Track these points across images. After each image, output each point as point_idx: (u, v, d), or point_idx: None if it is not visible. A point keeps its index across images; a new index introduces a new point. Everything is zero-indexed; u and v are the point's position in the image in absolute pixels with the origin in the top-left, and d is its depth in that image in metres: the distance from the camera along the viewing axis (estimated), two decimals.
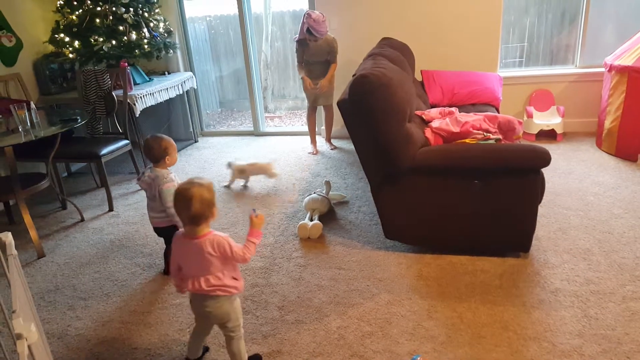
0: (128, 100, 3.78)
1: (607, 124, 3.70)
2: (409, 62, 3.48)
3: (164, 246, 2.60)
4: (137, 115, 3.90)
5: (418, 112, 2.93)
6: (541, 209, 2.49)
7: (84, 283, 2.55)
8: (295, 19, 5.56)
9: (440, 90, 3.83)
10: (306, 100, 4.36)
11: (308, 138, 4.88)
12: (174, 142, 2.42)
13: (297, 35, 4.10)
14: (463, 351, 1.85)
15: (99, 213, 3.45)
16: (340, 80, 4.22)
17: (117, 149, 3.56)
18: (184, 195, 1.56)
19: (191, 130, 5.02)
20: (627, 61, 3.46)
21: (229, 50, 5.99)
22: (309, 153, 4.42)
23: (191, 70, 5.01)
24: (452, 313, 2.07)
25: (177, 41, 4.74)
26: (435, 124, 2.72)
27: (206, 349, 1.96)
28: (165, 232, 2.45)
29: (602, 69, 3.82)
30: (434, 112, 2.94)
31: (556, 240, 2.58)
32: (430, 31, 4.21)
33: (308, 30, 3.89)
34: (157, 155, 2.35)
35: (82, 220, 3.33)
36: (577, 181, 3.30)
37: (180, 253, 1.69)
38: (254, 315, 2.17)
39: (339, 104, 2.42)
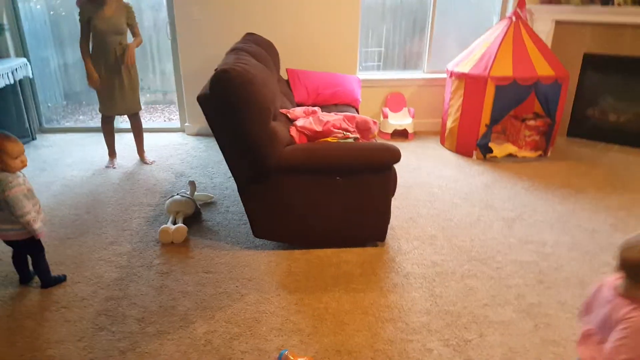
0: None
1: (449, 124, 4.20)
2: (274, 60, 3.50)
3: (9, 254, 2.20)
4: None
5: (283, 111, 2.96)
6: (395, 202, 2.71)
7: None
8: (153, 10, 5.17)
9: (306, 90, 3.94)
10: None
11: (170, 135, 4.62)
12: (12, 139, 2.02)
13: None
14: (328, 340, 1.93)
15: None
16: (201, 75, 4.04)
17: None
18: None
19: (27, 126, 4.34)
20: (464, 68, 3.97)
21: (75, 35, 5.29)
22: (107, 167, 3.77)
23: (25, 57, 4.34)
24: (318, 304, 2.14)
25: (5, 22, 4.06)
26: (299, 122, 2.78)
27: None
28: (25, 245, 2.12)
29: (445, 75, 4.33)
30: (298, 111, 3.00)
31: (408, 229, 2.84)
32: (295, 31, 4.29)
33: None
34: None
35: None
36: (425, 175, 3.68)
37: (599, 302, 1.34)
38: (109, 331, 1.96)
39: (199, 99, 2.32)
